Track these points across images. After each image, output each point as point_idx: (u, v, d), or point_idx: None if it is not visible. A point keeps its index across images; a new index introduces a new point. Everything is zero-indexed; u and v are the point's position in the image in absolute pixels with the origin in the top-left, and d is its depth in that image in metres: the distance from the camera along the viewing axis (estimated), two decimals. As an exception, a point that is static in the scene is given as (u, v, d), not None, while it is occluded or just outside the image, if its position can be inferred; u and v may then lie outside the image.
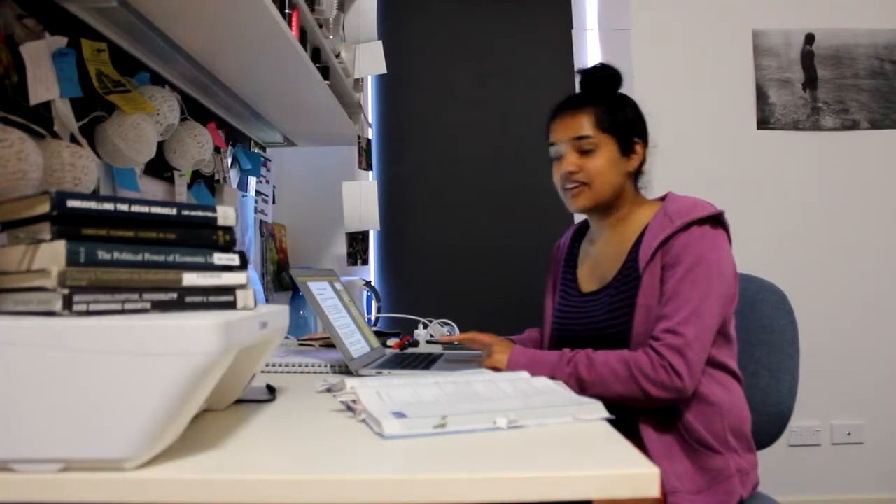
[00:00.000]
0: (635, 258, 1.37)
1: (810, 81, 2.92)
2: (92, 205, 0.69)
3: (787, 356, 1.58)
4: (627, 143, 1.43)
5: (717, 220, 1.33)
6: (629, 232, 1.42)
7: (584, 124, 1.42)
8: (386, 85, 2.95)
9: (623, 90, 1.50)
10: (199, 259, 0.77)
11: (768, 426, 1.55)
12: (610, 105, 1.44)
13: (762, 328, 1.61)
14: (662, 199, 1.44)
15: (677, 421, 1.30)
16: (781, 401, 1.55)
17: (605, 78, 1.48)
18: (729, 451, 1.31)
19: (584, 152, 1.41)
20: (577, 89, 1.54)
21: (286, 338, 1.83)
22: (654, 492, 0.62)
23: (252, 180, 2.35)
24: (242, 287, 0.80)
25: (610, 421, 0.85)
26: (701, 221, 1.31)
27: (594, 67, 1.50)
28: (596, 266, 1.50)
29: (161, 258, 0.73)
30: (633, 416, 1.30)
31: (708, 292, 1.26)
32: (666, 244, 1.32)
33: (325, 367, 1.37)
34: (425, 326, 2.22)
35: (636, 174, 1.47)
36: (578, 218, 2.88)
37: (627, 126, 1.43)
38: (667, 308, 1.26)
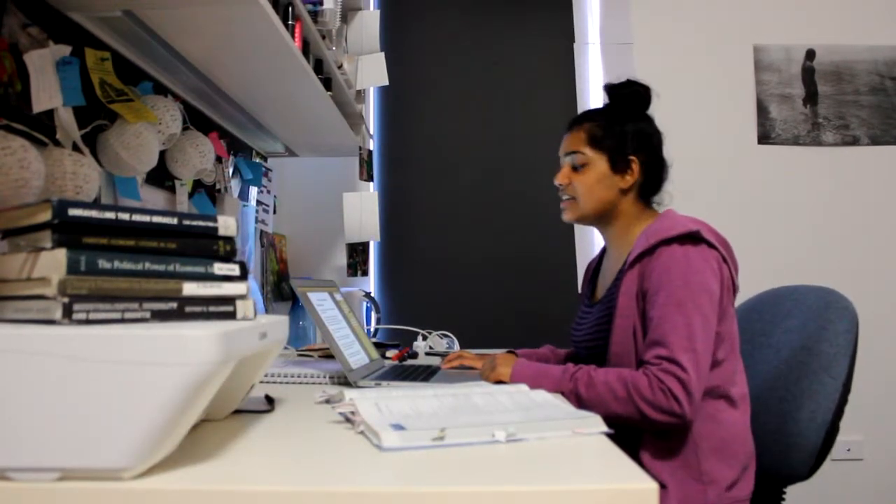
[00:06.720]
0: (622, 276, 1.36)
1: (811, 97, 2.93)
2: (93, 213, 0.69)
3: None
4: (620, 160, 1.42)
5: (697, 238, 1.29)
6: (626, 247, 1.42)
7: (579, 140, 1.44)
8: (388, 96, 2.96)
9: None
10: (200, 269, 0.77)
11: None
12: (610, 121, 1.43)
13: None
14: None
15: (637, 451, 1.26)
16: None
17: (629, 95, 1.47)
18: (685, 484, 1.25)
19: (576, 167, 1.44)
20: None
21: (285, 348, 1.82)
22: (653, 507, 0.62)
23: (253, 190, 2.35)
24: (242, 297, 0.80)
25: (611, 437, 0.84)
26: (682, 240, 1.28)
27: (620, 84, 1.48)
28: (604, 278, 1.51)
29: (161, 268, 0.73)
30: (634, 437, 1.27)
31: (696, 314, 1.23)
32: (641, 264, 1.31)
33: (324, 377, 1.36)
34: (425, 338, 2.22)
35: (642, 189, 1.44)
36: (579, 230, 2.91)
37: (621, 143, 1.42)
38: (657, 333, 1.24)
